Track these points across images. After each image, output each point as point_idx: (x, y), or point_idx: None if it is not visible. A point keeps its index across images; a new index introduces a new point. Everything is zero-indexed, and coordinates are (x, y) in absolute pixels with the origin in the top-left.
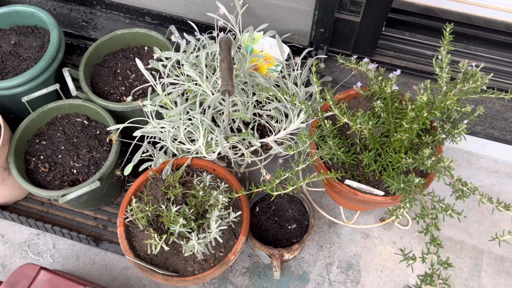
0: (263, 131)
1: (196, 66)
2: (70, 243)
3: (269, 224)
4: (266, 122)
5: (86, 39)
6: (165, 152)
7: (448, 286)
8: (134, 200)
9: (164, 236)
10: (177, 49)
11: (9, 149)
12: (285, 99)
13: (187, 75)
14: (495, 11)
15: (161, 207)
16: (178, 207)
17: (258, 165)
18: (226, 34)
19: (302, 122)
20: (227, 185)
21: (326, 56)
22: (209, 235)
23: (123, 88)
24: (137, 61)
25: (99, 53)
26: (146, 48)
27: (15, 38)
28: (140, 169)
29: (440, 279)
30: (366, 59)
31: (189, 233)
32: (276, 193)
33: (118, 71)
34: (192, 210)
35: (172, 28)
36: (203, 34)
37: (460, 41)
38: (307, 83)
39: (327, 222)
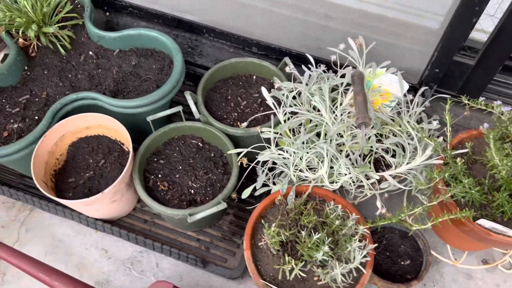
0: (375, 165)
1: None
2: (173, 263)
3: (381, 259)
4: (381, 156)
5: (191, 64)
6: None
7: None
8: (273, 225)
9: (299, 263)
10: (289, 79)
11: (133, 166)
12: (415, 134)
13: (307, 106)
14: None
15: (301, 233)
16: (319, 234)
17: (363, 198)
18: (344, 68)
19: (427, 159)
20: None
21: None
22: (350, 265)
23: (235, 114)
24: (263, 89)
25: (212, 79)
26: (254, 77)
27: (135, 59)
28: (257, 193)
29: None
30: (498, 102)
31: (326, 261)
32: (414, 229)
33: (229, 97)
34: (329, 238)
35: (287, 59)
36: (318, 67)
37: None
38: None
39: None
